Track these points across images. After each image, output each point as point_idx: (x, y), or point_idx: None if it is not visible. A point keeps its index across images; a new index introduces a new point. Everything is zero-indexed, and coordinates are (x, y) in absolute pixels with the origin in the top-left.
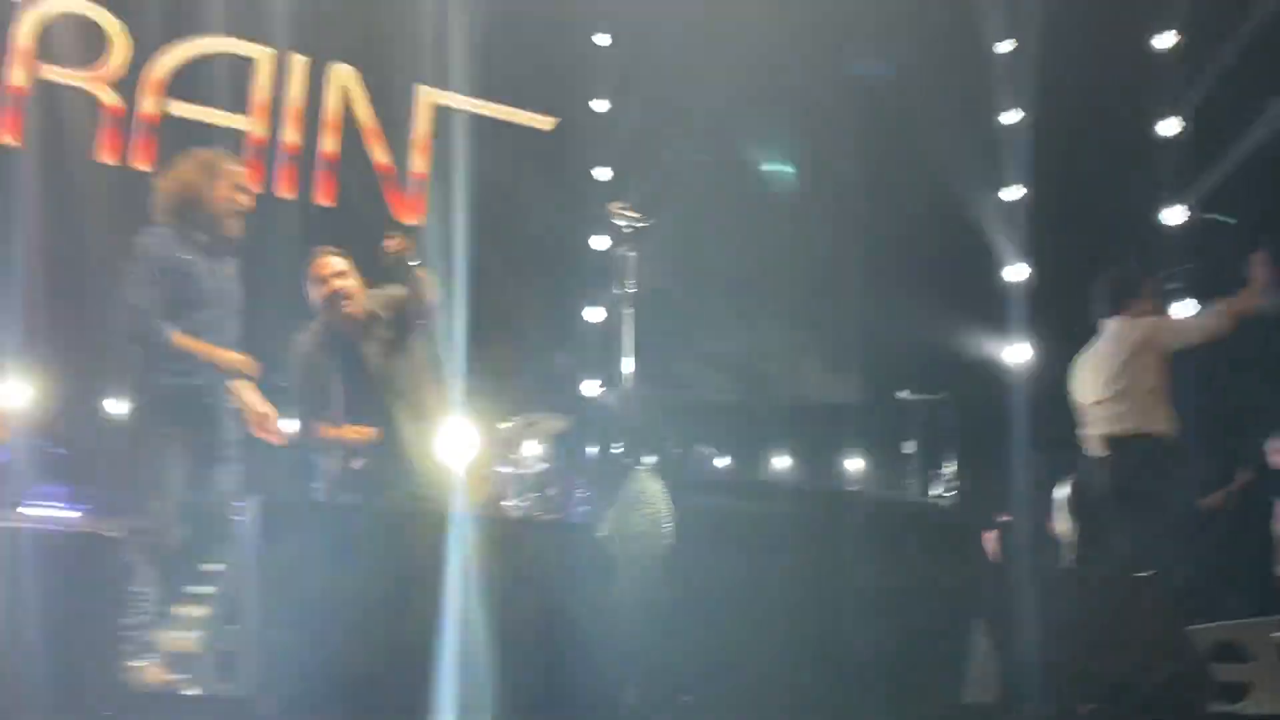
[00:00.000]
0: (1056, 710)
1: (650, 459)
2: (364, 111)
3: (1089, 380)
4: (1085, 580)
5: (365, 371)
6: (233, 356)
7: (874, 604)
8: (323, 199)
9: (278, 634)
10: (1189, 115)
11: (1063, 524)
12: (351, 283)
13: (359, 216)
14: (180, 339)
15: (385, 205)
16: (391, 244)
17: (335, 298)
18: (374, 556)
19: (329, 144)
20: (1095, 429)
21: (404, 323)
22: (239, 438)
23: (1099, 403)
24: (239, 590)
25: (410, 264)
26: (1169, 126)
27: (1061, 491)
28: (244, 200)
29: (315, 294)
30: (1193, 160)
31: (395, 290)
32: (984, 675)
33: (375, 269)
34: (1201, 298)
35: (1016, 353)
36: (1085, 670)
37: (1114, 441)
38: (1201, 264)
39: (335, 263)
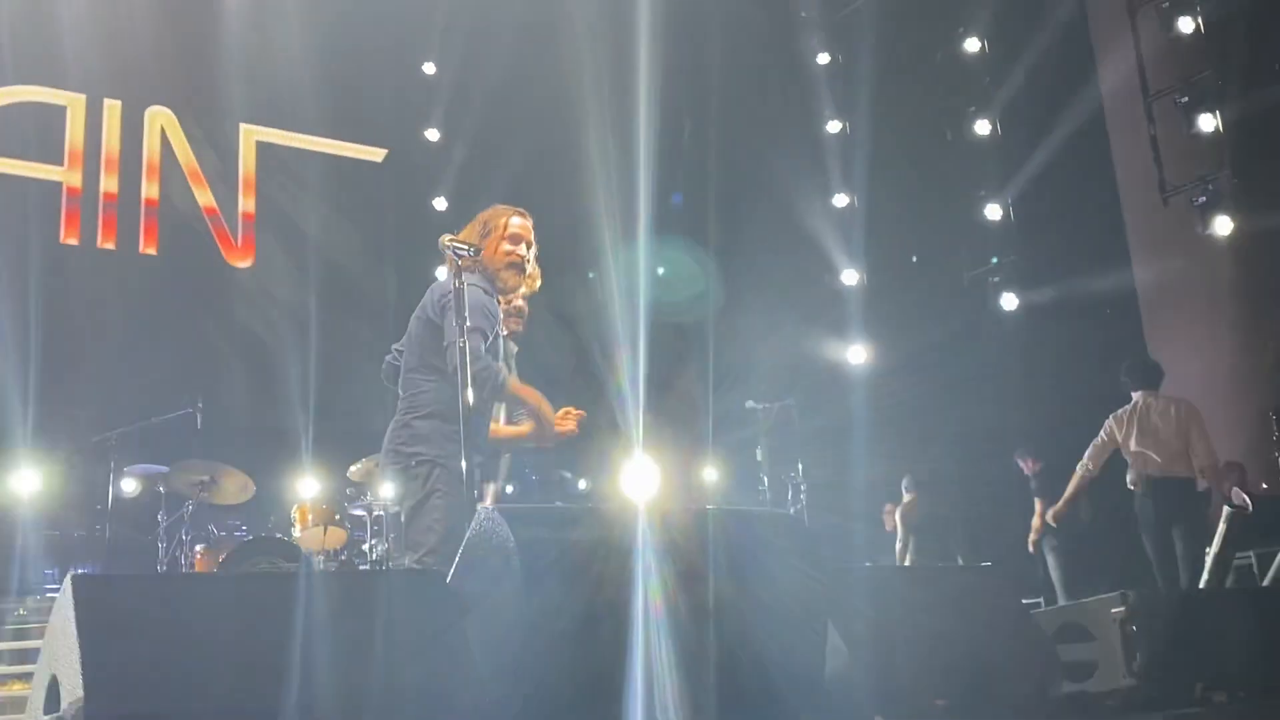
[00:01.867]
0: (913, 705)
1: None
2: (185, 153)
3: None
4: (930, 574)
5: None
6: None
7: (731, 620)
8: (146, 247)
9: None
10: (997, 116)
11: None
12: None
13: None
14: (515, 384)
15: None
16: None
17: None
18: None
19: (150, 189)
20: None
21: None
22: None
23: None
24: None
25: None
26: (981, 127)
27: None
28: (521, 253)
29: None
30: (1004, 159)
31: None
32: (841, 676)
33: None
34: (1020, 288)
35: (855, 354)
36: (937, 663)
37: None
38: (1018, 257)
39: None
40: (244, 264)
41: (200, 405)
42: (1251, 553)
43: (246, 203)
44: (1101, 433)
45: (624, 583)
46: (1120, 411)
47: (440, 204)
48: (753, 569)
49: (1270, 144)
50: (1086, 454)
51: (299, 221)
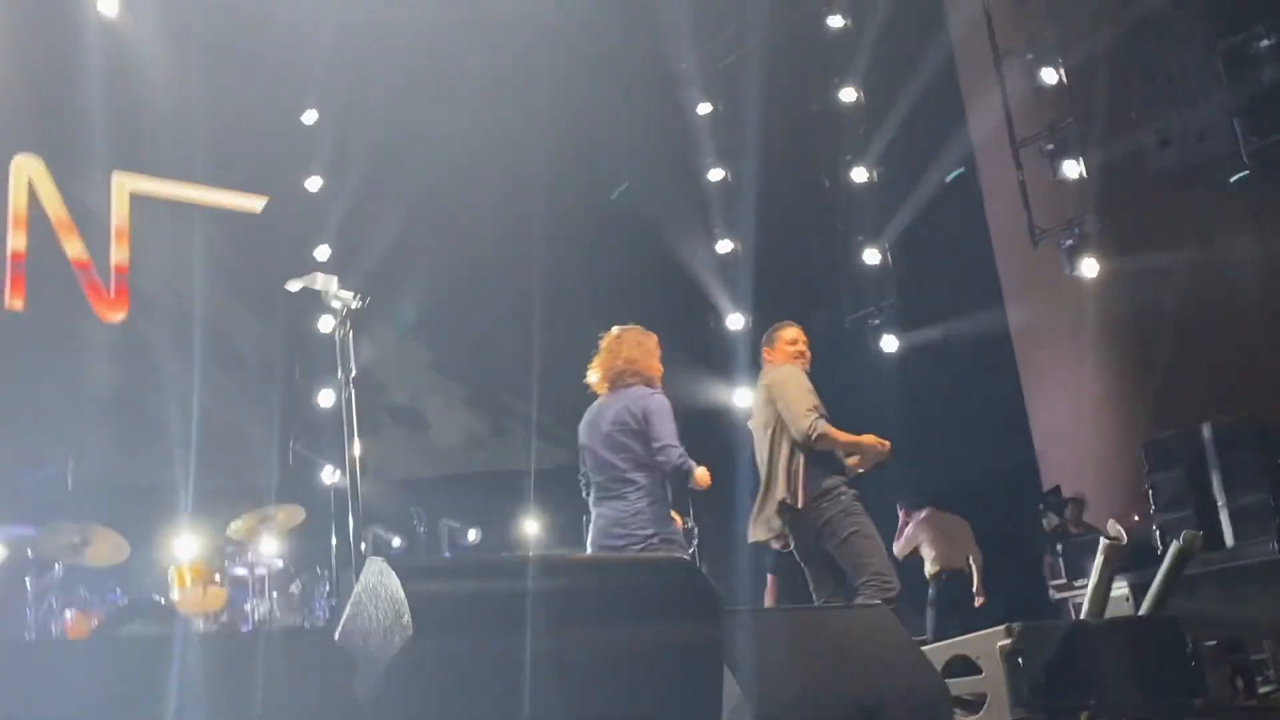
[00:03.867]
0: None
1: (396, 541)
2: (53, 203)
3: None
4: (821, 614)
5: None
6: None
7: (625, 670)
8: (13, 302)
9: None
10: (873, 163)
11: None
12: None
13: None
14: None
15: None
16: None
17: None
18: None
19: (16, 241)
20: None
21: None
22: None
23: None
24: None
25: None
26: (858, 174)
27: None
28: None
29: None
30: (882, 205)
31: None
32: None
33: None
34: (899, 330)
35: (742, 397)
36: (832, 702)
37: None
38: (897, 300)
39: None
40: (117, 317)
41: (71, 463)
42: (1125, 583)
43: (119, 254)
44: None
45: (516, 634)
46: None
47: (322, 253)
48: (646, 615)
49: (1131, 188)
50: None
51: (175, 272)
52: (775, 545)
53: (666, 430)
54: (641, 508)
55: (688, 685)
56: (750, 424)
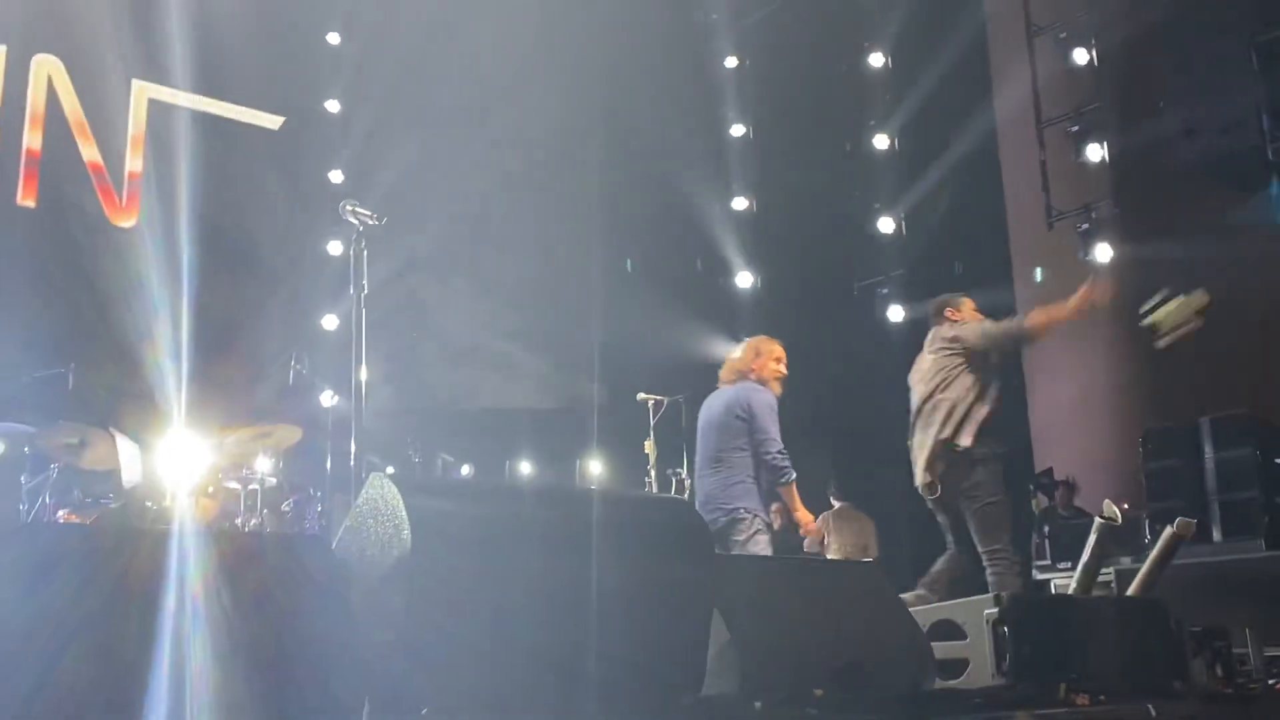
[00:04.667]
0: (791, 694)
1: (389, 469)
2: (72, 105)
3: None
4: (814, 567)
5: None
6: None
7: (616, 602)
8: (25, 198)
9: None
10: (895, 131)
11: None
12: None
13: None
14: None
15: None
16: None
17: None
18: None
19: (32, 140)
20: None
21: None
22: None
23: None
24: None
25: None
26: (880, 141)
27: None
28: (784, 370)
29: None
30: (901, 172)
31: None
32: (723, 666)
33: None
34: (907, 302)
35: None
36: (817, 654)
37: None
38: (907, 271)
39: None
40: (127, 223)
41: (73, 365)
42: (1112, 569)
43: (134, 161)
44: None
45: (512, 557)
46: None
47: (336, 176)
48: (641, 550)
49: (1151, 177)
50: None
51: (188, 184)
52: (928, 494)
53: (768, 425)
54: (732, 485)
55: (677, 623)
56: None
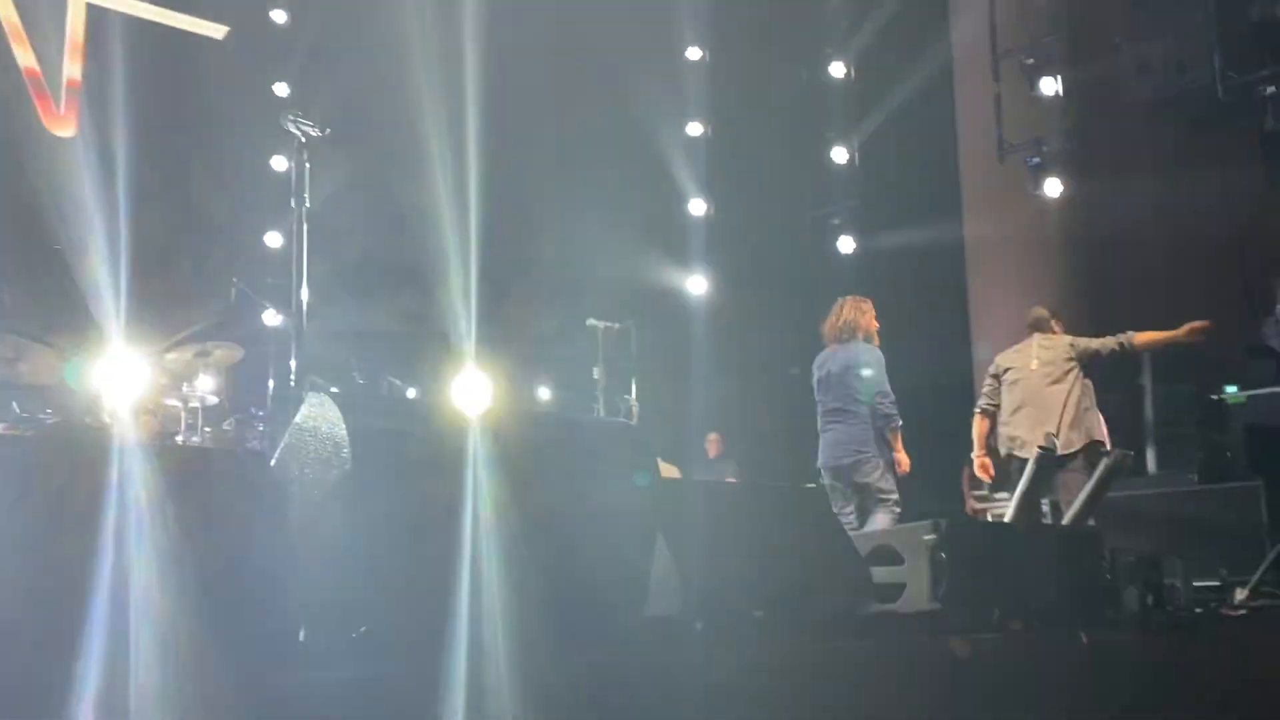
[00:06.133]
0: (729, 615)
1: (334, 390)
2: (6, 9)
3: None
4: (756, 492)
5: None
6: None
7: (560, 523)
8: None
9: None
10: (852, 60)
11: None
12: None
13: None
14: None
15: None
16: None
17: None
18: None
19: None
20: None
21: None
22: None
23: None
24: None
25: None
26: (836, 70)
27: None
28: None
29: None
30: (855, 103)
31: None
32: (666, 588)
33: None
34: (858, 233)
35: (695, 283)
36: (758, 577)
37: None
38: (859, 202)
39: None
40: (65, 133)
41: (6, 279)
42: (1046, 500)
43: (72, 68)
44: None
45: (456, 481)
46: None
47: (281, 89)
48: (586, 476)
49: (1105, 112)
50: None
51: (128, 94)
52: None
53: (880, 379)
54: (858, 431)
55: (620, 546)
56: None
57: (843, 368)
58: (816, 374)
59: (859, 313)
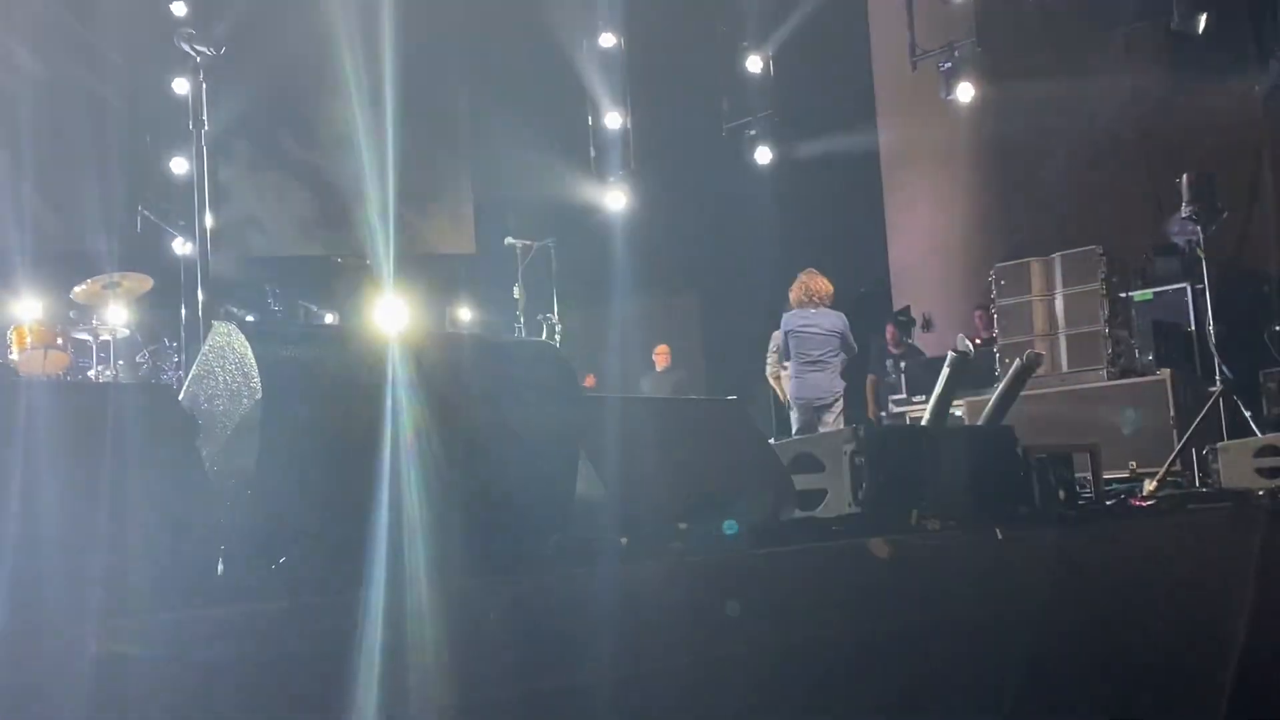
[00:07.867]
0: (656, 528)
1: (250, 319)
2: None
3: None
4: (676, 405)
5: None
6: None
7: (483, 444)
8: None
9: None
10: None
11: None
12: None
13: None
14: None
15: None
16: None
17: None
18: None
19: None
20: None
21: None
22: None
23: None
24: None
25: None
26: None
27: None
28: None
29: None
30: (769, 11)
31: None
32: (590, 504)
33: None
34: (774, 142)
35: (614, 198)
36: (681, 489)
37: None
38: (774, 112)
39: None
40: None
41: None
42: (963, 401)
43: None
44: None
45: (374, 407)
46: None
47: (179, 8)
48: (507, 397)
49: (1015, 16)
50: None
51: (20, 18)
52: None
53: (850, 338)
54: (831, 379)
55: (545, 464)
56: None
57: (826, 331)
58: (795, 328)
59: (821, 283)
